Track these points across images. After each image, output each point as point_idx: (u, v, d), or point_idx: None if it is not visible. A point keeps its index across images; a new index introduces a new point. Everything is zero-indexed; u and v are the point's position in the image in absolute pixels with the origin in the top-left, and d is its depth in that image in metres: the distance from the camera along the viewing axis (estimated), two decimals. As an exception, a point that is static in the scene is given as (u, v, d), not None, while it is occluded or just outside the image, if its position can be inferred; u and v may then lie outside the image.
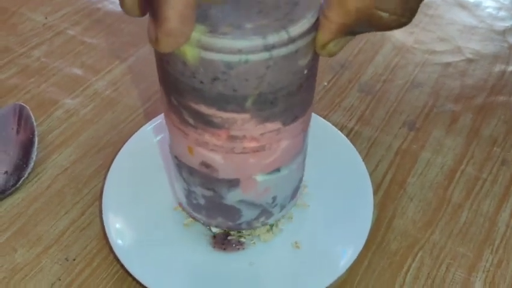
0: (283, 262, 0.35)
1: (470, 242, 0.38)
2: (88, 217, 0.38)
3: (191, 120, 0.27)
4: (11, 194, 0.39)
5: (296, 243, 0.36)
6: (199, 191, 0.31)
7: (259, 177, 0.30)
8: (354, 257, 0.34)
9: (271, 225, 0.37)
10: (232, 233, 0.36)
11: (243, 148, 0.28)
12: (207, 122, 0.27)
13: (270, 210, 0.32)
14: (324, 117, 0.44)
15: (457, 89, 0.49)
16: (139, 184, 0.39)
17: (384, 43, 0.53)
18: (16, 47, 0.51)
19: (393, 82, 0.49)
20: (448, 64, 0.51)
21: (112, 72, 0.49)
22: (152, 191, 0.38)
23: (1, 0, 0.57)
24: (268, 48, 0.24)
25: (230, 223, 0.33)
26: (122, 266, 0.34)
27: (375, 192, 0.40)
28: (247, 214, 0.32)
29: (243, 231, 0.36)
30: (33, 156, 0.40)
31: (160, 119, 0.42)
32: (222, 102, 0.25)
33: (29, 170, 0.40)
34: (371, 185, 0.38)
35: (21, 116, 0.42)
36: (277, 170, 0.30)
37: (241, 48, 0.23)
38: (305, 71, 0.26)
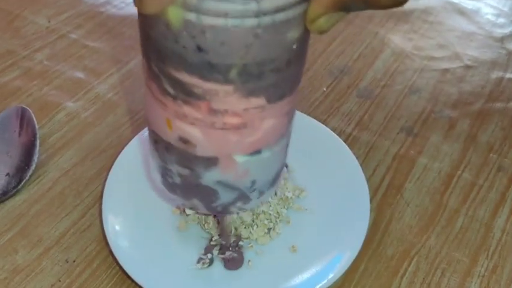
0: (280, 266, 0.36)
1: (465, 248, 0.38)
2: (88, 219, 0.39)
3: (171, 90, 0.26)
4: (12, 195, 0.40)
5: (293, 247, 0.36)
6: (175, 169, 0.30)
7: (239, 158, 0.28)
8: (350, 261, 0.35)
9: (269, 229, 0.37)
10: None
11: (224, 123, 0.26)
12: (187, 93, 0.25)
13: (247, 195, 0.31)
14: (323, 122, 0.44)
15: (454, 95, 0.49)
16: (138, 187, 0.39)
17: (384, 49, 0.54)
18: (19, 50, 0.52)
19: (391, 87, 0.50)
20: (446, 70, 0.52)
21: (114, 76, 0.50)
22: (151, 194, 0.39)
23: (4, 3, 0.57)
24: (256, 13, 0.22)
25: (206, 205, 0.31)
26: (121, 268, 0.35)
27: (372, 197, 0.40)
28: (224, 196, 0.30)
29: (242, 239, 0.36)
30: (35, 158, 0.41)
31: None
32: (205, 70, 0.24)
33: (30, 172, 0.40)
34: (368, 191, 0.38)
35: (24, 119, 0.43)
36: (259, 151, 0.29)
37: (227, 11, 0.22)
38: (294, 46, 0.25)
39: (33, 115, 0.43)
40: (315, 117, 0.44)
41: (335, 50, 0.53)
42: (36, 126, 0.42)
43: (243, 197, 0.31)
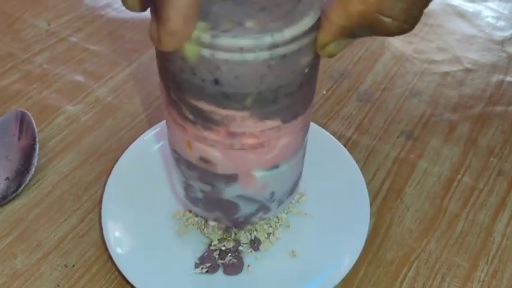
0: (280, 271, 0.35)
1: (465, 252, 0.38)
2: (88, 223, 0.39)
3: (190, 116, 0.27)
4: (12, 200, 0.40)
5: (293, 251, 0.36)
6: (197, 185, 0.31)
7: (258, 173, 0.29)
8: (350, 266, 0.35)
9: (269, 234, 0.37)
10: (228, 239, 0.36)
11: (242, 144, 0.27)
12: (206, 119, 0.26)
13: (268, 206, 0.32)
14: (323, 126, 0.44)
15: (454, 99, 0.49)
16: (138, 191, 0.39)
17: (384, 52, 0.54)
18: (19, 53, 0.52)
19: (391, 91, 0.50)
20: (447, 73, 0.52)
21: (114, 79, 0.50)
22: (151, 198, 0.39)
23: (4, 6, 0.57)
24: (270, 47, 0.23)
25: (228, 217, 0.33)
26: (120, 273, 0.35)
27: (372, 201, 0.40)
28: (245, 209, 0.32)
29: (242, 244, 0.36)
30: (34, 162, 0.41)
31: (160, 125, 0.42)
32: (222, 100, 0.25)
33: (29, 176, 0.40)
34: (368, 196, 0.38)
35: (23, 123, 0.43)
36: (276, 166, 0.30)
37: (242, 46, 0.23)
38: (306, 70, 0.26)
39: (32, 119, 0.43)
40: (314, 121, 0.44)
41: (335, 53, 0.53)
42: (36, 130, 0.42)
43: (264, 207, 0.32)
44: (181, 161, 0.31)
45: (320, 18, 0.24)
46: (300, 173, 0.34)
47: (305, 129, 0.30)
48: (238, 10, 0.24)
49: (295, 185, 0.34)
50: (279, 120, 0.27)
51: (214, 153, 0.28)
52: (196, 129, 0.27)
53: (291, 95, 0.26)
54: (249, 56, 0.23)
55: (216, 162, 0.29)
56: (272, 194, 0.31)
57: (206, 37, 0.23)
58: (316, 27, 0.24)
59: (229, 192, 0.30)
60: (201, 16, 0.23)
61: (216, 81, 0.24)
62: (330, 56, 0.25)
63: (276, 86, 0.25)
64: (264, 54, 0.23)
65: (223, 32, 0.23)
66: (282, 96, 0.26)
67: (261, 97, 0.25)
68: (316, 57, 0.26)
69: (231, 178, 0.29)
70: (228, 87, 0.25)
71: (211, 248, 0.36)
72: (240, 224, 0.35)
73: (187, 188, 0.32)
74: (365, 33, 0.24)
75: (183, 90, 0.26)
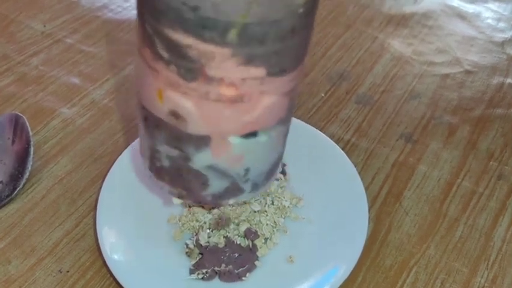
0: (277, 276, 0.35)
1: (465, 257, 0.38)
2: (83, 228, 0.38)
3: (165, 54, 0.24)
4: (6, 204, 0.39)
5: (290, 257, 0.36)
6: (164, 149, 0.28)
7: (233, 139, 0.26)
8: (348, 272, 0.34)
9: (266, 239, 0.37)
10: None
11: (219, 95, 0.24)
12: (181, 56, 0.23)
13: (240, 186, 0.29)
14: (321, 129, 0.44)
15: (454, 101, 0.49)
16: (133, 196, 0.38)
17: (383, 54, 0.53)
18: (14, 55, 0.51)
19: (391, 93, 0.49)
20: (446, 75, 0.51)
21: (110, 81, 0.49)
22: (146, 203, 0.38)
23: (0, 7, 0.57)
24: None
25: (195, 194, 0.29)
26: (115, 279, 0.34)
27: (371, 205, 0.40)
28: (215, 184, 0.29)
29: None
30: (29, 166, 0.40)
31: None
32: (201, 29, 0.22)
33: (24, 180, 0.40)
34: (366, 201, 0.38)
35: (17, 126, 0.42)
36: (255, 133, 0.27)
37: None
38: (301, 10, 0.23)
39: (27, 122, 0.42)
40: (313, 124, 0.43)
41: (334, 54, 0.53)
42: (31, 134, 0.42)
43: (235, 187, 0.29)
44: (149, 119, 0.27)
45: None
46: (280, 155, 0.31)
47: (291, 96, 0.27)
48: None
49: (273, 168, 0.30)
50: (264, 70, 0.24)
51: (186, 105, 0.25)
52: (169, 71, 0.24)
53: (281, 38, 0.23)
54: None
55: (187, 117, 0.25)
56: (247, 170, 0.28)
57: None
58: None
59: (199, 161, 0.27)
60: None
61: (196, 4, 0.22)
62: None
63: (264, 20, 0.22)
64: None
65: None
66: (270, 37, 0.23)
67: (246, 31, 0.22)
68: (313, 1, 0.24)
69: (203, 141, 0.26)
70: (210, 11, 0.22)
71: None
72: (207, 204, 0.32)
73: (153, 155, 0.29)
74: None
75: (160, 18, 0.23)
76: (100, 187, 0.39)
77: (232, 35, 0.22)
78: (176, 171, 0.29)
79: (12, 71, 0.50)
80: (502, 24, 0.57)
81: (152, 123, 0.28)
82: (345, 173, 0.40)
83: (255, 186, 0.30)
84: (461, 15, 0.58)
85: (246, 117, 0.26)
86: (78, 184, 0.41)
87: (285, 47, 0.24)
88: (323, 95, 0.49)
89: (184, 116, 0.26)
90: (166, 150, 0.28)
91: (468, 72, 0.52)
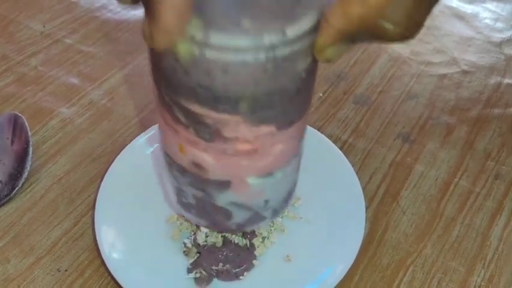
0: (275, 275, 0.35)
1: (462, 257, 0.38)
2: (81, 227, 0.39)
3: (182, 119, 0.26)
4: (5, 203, 0.39)
5: (288, 256, 0.36)
6: (189, 190, 0.30)
7: (252, 180, 0.29)
8: (345, 271, 0.34)
9: (263, 238, 0.37)
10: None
11: (235, 150, 0.26)
12: (198, 122, 0.25)
13: (262, 214, 0.31)
14: (319, 129, 0.44)
15: (452, 101, 0.49)
16: (132, 195, 0.39)
17: (381, 54, 0.53)
18: (13, 55, 0.52)
19: (388, 93, 0.50)
20: (444, 76, 0.51)
21: (108, 81, 0.50)
22: (145, 203, 0.38)
23: (-1, 7, 0.57)
24: (267, 47, 0.22)
25: (220, 225, 0.32)
26: (113, 278, 0.34)
27: (368, 205, 0.40)
28: (238, 216, 0.31)
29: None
30: (28, 166, 0.40)
31: (154, 129, 0.42)
32: (215, 102, 0.24)
33: (23, 179, 0.40)
34: (363, 199, 0.38)
35: (16, 126, 0.42)
36: (271, 173, 0.29)
37: (237, 46, 0.22)
38: (303, 75, 0.25)
39: (26, 122, 0.43)
40: (310, 124, 0.44)
41: (332, 55, 0.53)
42: (29, 133, 0.42)
43: (257, 216, 0.31)
44: (173, 165, 0.30)
45: (319, 21, 0.23)
46: (296, 182, 0.33)
47: (301, 137, 0.30)
48: (234, 7, 0.22)
49: (290, 193, 0.33)
50: (274, 127, 0.26)
51: (206, 158, 0.27)
52: (188, 133, 0.26)
53: (287, 101, 0.25)
54: (245, 57, 0.22)
55: (208, 168, 0.28)
56: (266, 202, 0.30)
57: (200, 35, 0.22)
58: (315, 29, 0.23)
59: (222, 199, 0.29)
60: (196, 13, 0.22)
61: (209, 83, 0.23)
62: (328, 61, 0.24)
63: (271, 90, 0.24)
64: (261, 56, 0.22)
65: (219, 30, 0.22)
66: (278, 101, 0.25)
67: (255, 101, 0.24)
68: (314, 62, 0.25)
69: (224, 185, 0.28)
70: (221, 89, 0.23)
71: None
72: (232, 232, 0.34)
73: (179, 193, 0.31)
74: (364, 38, 0.23)
75: (175, 92, 0.25)
76: (99, 187, 0.39)
77: (243, 106, 0.24)
78: (202, 208, 0.31)
79: (12, 71, 0.50)
80: (499, 25, 0.57)
81: (176, 168, 0.30)
82: (343, 172, 0.40)
83: (275, 212, 0.32)
84: (459, 16, 0.58)
85: (262, 163, 0.28)
86: (76, 184, 0.41)
87: (292, 105, 0.26)
88: (320, 95, 0.49)
89: (205, 166, 0.28)
90: (191, 191, 0.30)
91: (465, 72, 0.52)
